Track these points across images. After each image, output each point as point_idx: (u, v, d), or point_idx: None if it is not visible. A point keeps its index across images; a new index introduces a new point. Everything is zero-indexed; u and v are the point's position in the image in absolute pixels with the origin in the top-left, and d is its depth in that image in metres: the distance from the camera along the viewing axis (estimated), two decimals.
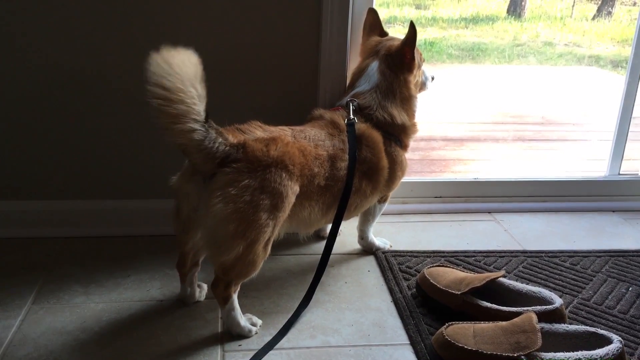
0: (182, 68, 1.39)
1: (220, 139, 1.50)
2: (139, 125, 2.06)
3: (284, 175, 1.57)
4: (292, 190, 1.60)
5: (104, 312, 1.70)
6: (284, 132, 1.68)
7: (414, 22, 1.86)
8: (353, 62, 2.11)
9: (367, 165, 1.81)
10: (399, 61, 1.90)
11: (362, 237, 2.08)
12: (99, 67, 1.98)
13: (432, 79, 2.08)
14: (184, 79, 1.39)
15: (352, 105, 1.85)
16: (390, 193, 2.02)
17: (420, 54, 1.99)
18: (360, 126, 1.82)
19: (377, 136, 1.84)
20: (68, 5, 1.91)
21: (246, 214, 1.50)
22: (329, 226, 1.85)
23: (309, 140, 1.71)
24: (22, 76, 1.96)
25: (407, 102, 1.93)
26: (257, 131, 1.64)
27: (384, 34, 2.03)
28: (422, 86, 2.05)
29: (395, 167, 1.91)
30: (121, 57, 1.97)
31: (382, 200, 2.02)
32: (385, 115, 1.88)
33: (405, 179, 2.05)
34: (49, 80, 1.98)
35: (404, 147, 1.95)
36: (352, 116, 1.82)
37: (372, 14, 2.04)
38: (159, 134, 2.06)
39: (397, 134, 1.91)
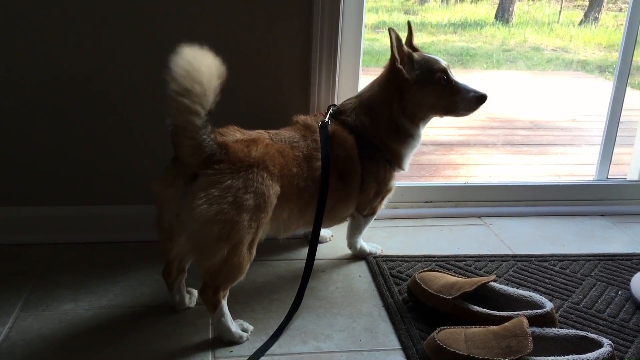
0: (210, 68, 1.42)
1: (212, 135, 1.51)
2: (127, 132, 2.05)
3: (265, 175, 1.58)
4: (274, 190, 1.61)
5: (94, 319, 1.69)
6: (262, 135, 1.70)
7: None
8: (342, 78, 2.14)
9: (340, 164, 1.81)
10: None
11: (351, 247, 2.09)
12: (88, 75, 1.97)
13: None
14: (212, 72, 1.42)
15: (332, 110, 1.90)
16: (378, 206, 2.01)
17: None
18: (331, 127, 1.84)
19: (348, 138, 1.85)
20: (67, 7, 1.90)
21: (230, 214, 1.50)
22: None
23: (285, 142, 1.73)
24: (11, 82, 1.95)
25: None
26: (236, 134, 1.66)
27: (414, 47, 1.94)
28: None
29: (369, 172, 1.88)
30: (111, 65, 1.96)
31: (369, 214, 2.01)
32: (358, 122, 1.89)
33: (396, 183, 2.04)
34: (36, 87, 1.96)
35: (395, 160, 1.93)
36: (327, 119, 1.84)
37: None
38: (147, 140, 2.06)
39: (387, 152, 1.91)
